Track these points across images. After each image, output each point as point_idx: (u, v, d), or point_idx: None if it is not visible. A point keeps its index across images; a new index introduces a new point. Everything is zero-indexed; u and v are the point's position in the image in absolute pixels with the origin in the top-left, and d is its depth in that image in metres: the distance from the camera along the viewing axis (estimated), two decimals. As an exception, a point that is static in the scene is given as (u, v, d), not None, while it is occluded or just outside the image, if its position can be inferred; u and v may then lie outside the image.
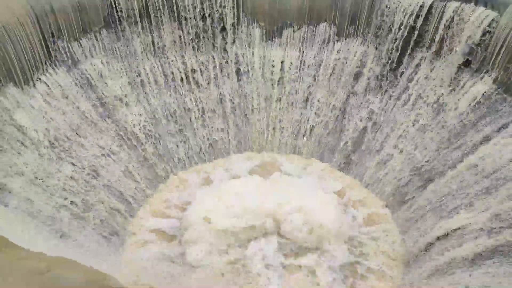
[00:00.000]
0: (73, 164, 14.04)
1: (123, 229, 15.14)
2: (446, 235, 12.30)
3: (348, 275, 13.68)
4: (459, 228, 11.88)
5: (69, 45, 15.32)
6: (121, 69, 17.21)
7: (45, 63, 14.27)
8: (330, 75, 19.62)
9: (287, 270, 13.75)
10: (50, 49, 14.54)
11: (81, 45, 15.82)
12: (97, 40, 16.42)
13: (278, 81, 20.41)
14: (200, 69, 19.57)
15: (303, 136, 20.62)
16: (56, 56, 14.82)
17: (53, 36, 14.62)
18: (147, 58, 18.16)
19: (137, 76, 17.81)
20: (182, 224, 15.44)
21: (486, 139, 12.93)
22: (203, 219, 14.48)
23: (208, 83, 19.87)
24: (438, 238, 12.61)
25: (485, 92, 13.56)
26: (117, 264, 12.32)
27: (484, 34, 13.76)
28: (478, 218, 11.37)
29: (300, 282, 13.30)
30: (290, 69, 20.15)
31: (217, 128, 20.27)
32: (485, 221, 11.05)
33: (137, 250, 14.22)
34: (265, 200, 15.03)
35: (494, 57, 13.47)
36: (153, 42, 18.14)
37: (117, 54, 17.11)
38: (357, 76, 18.90)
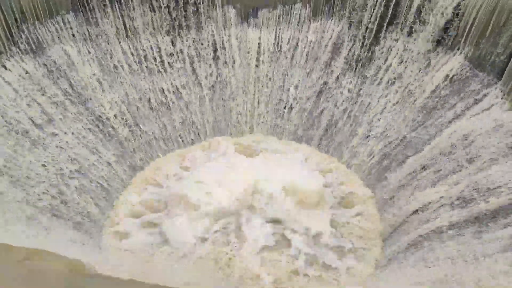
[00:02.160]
0: (45, 155, 13.56)
1: (102, 218, 14.87)
2: (421, 209, 12.63)
3: (325, 254, 13.84)
4: (433, 202, 12.21)
5: (35, 30, 14.55)
6: (92, 54, 16.54)
7: (9, 49, 13.52)
8: (307, 55, 19.55)
9: (269, 250, 13.89)
10: (14, 34, 13.77)
11: (48, 29, 15.05)
12: (64, 24, 15.66)
13: (256, 63, 20.18)
14: (175, 52, 19.08)
15: (282, 117, 20.63)
16: (21, 42, 14.06)
17: (16, 20, 13.82)
18: (119, 42, 17.51)
19: (109, 61, 17.17)
20: (162, 209, 15.30)
21: (459, 115, 13.23)
22: (184, 202, 14.41)
23: (184, 67, 19.44)
24: (413, 212, 12.94)
25: (457, 68, 13.82)
26: (97, 253, 12.14)
27: (455, 11, 13.92)
28: (451, 191, 11.71)
29: (276, 262, 13.45)
30: (267, 50, 19.91)
31: (195, 112, 19.97)
32: (458, 193, 11.39)
33: (117, 239, 14.04)
34: (245, 177, 15.13)
35: (465, 34, 13.69)
36: (124, 25, 17.47)
37: (87, 39, 16.41)
38: (333, 56, 18.87)
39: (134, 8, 17.48)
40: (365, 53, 17.74)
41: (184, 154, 19.00)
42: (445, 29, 14.47)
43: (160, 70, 18.90)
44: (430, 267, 9.85)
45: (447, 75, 14.12)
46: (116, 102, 17.21)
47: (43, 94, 14.33)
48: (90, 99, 16.21)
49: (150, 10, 17.95)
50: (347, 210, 15.87)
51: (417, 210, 12.79)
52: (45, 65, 14.78)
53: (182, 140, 19.80)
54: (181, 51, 19.21)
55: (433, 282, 8.97)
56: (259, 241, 13.92)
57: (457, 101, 13.52)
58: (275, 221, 14.76)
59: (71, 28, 15.83)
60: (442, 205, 11.79)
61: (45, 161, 13.27)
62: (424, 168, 13.71)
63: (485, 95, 12.68)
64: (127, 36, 17.72)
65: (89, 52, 16.42)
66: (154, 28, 18.40)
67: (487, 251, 9.05)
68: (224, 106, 20.67)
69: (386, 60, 17.02)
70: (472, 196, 10.92)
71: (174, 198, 15.09)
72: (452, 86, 13.93)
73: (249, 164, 16.35)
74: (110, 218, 15.14)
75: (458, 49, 14.08)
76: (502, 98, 11.95)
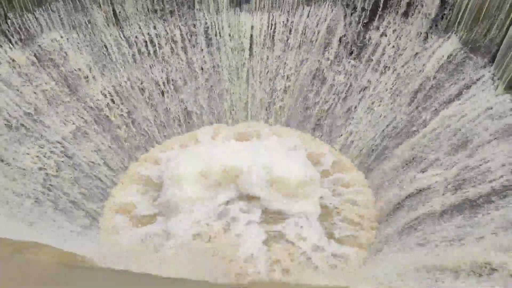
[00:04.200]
0: (38, 145, 13.35)
1: (97, 210, 14.74)
2: (415, 193, 12.64)
3: (323, 241, 13.82)
4: (427, 186, 12.20)
5: (23, 19, 14.16)
6: (82, 42, 16.16)
7: (-3, 38, 13.19)
8: (301, 40, 19.26)
9: (263, 238, 13.87)
10: (2, 24, 13.37)
11: (36, 18, 14.65)
12: (53, 11, 15.25)
13: (249, 48, 19.88)
14: (167, 38, 18.73)
15: (276, 104, 20.47)
16: (8, 30, 13.67)
17: (4, 10, 13.41)
18: (109, 29, 17.11)
19: (100, 49, 16.81)
20: (158, 199, 15.26)
21: (453, 98, 13.12)
22: (179, 190, 14.42)
23: (176, 53, 19.13)
24: (408, 196, 12.96)
25: (452, 51, 13.65)
26: (92, 245, 12.08)
27: (450, -7, 13.71)
28: (445, 175, 11.69)
29: (275, 250, 13.47)
30: (260, 35, 19.61)
31: (189, 100, 19.74)
32: (452, 177, 11.37)
33: (112, 231, 13.96)
34: (231, 160, 15.18)
35: (460, 16, 13.48)
36: (114, 11, 17.05)
37: (76, 26, 16.01)
38: (327, 40, 18.62)
39: (124, -6, 17.05)
40: (360, 38, 17.50)
41: (178, 143, 18.85)
42: (440, 12, 14.23)
43: (152, 57, 18.57)
44: (424, 250, 9.83)
45: (442, 58, 13.96)
46: (108, 90, 16.91)
47: (32, 84, 14.02)
48: (82, 88, 15.90)
49: (141, -4, 17.52)
50: (340, 195, 15.85)
51: (411, 195, 12.80)
52: (35, 54, 14.44)
53: (176, 129, 19.60)
54: (173, 37, 18.86)
55: (428, 265, 9.00)
56: (253, 231, 13.94)
57: (451, 84, 13.40)
58: (267, 209, 14.77)
59: (60, 16, 15.43)
60: (436, 189, 11.76)
61: (37, 152, 13.05)
62: (418, 152, 13.67)
63: (478, 79, 12.55)
64: (117, 22, 17.31)
65: (79, 40, 16.04)
66: (145, 15, 17.98)
67: (481, 233, 9.05)
68: (217, 93, 20.44)
69: (380, 44, 16.79)
70: (466, 180, 10.88)
71: (169, 188, 15.02)
72: (446, 69, 13.79)
73: (238, 150, 16.25)
74: (105, 209, 15.02)
75: (452, 32, 13.89)
76: (494, 82, 11.87)
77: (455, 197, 10.81)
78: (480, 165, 10.63)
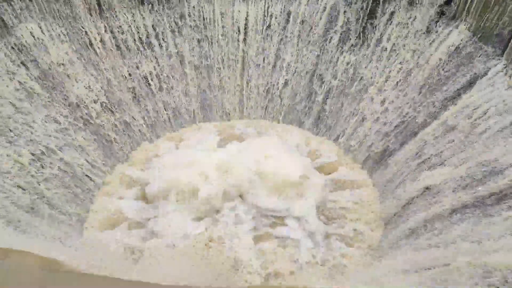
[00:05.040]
0: (19, 146, 13.23)
1: (81, 213, 14.73)
2: (422, 193, 12.71)
3: (323, 242, 13.98)
4: (436, 185, 12.27)
5: (-1, 9, 14.03)
6: (63, 33, 16.03)
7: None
8: (299, 30, 19.28)
9: (258, 239, 14.02)
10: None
11: (12, 6, 14.51)
12: (31, 1, 15.12)
13: (244, 39, 19.86)
14: (155, 29, 18.66)
15: (274, 99, 20.53)
16: (-19, 21, 13.57)
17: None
18: (93, 19, 17.01)
19: (82, 40, 16.70)
20: (146, 201, 15.32)
21: (462, 91, 13.19)
22: (169, 193, 14.56)
23: (165, 45, 19.08)
24: (415, 197, 13.04)
25: (460, 41, 13.71)
26: (76, 250, 12.03)
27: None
28: (454, 173, 11.75)
29: (271, 251, 13.57)
30: (255, 25, 19.58)
31: (179, 96, 19.74)
32: (461, 176, 11.43)
33: (97, 236, 13.96)
34: (224, 158, 15.38)
35: (469, 2, 13.54)
36: (98, 0, 16.93)
37: (56, 16, 15.88)
38: (327, 30, 18.66)
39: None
40: (362, 27, 17.56)
41: (168, 142, 18.91)
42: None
43: (140, 49, 18.52)
44: (433, 253, 9.87)
45: (450, 48, 14.04)
46: (92, 86, 16.83)
47: (10, 79, 13.89)
48: (63, 83, 15.77)
49: (126, -17, 17.48)
50: (343, 195, 15.95)
51: (419, 194, 12.88)
52: (12, 47, 14.31)
53: (166, 127, 19.64)
54: (162, 28, 18.81)
55: (437, 269, 9.03)
56: (247, 232, 14.09)
57: (460, 76, 13.45)
58: (261, 209, 14.90)
59: (39, 6, 15.30)
60: (445, 188, 11.82)
61: (15, 153, 12.94)
62: (426, 149, 13.75)
63: (489, 70, 12.58)
64: (101, 13, 17.19)
65: (60, 31, 15.91)
66: (130, 4, 17.90)
67: (493, 234, 9.07)
68: (210, 88, 20.46)
69: (384, 34, 16.85)
70: (477, 178, 10.93)
71: (157, 190, 15.17)
72: (455, 60, 13.84)
73: (233, 149, 16.44)
74: (90, 213, 15.01)
75: (461, 20, 13.95)
76: (506, 73, 11.91)
77: (465, 196, 10.85)
78: (491, 162, 10.66)
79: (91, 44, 16.95)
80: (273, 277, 12.64)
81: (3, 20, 14.15)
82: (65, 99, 15.79)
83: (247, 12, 19.58)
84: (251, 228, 14.25)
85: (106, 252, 12.81)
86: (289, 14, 19.33)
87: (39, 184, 13.30)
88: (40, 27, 15.32)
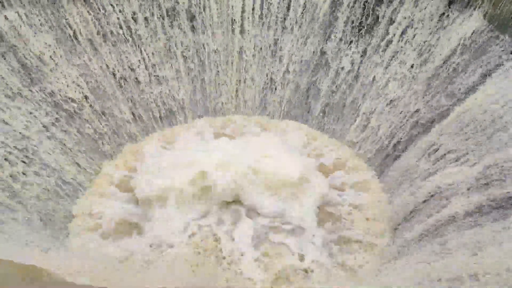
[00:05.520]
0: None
1: (65, 216, 14.80)
2: (435, 193, 12.80)
3: (325, 246, 14.09)
4: (448, 185, 12.35)
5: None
6: (45, 22, 15.99)
7: None
8: (300, 21, 19.30)
9: (257, 243, 14.19)
10: None
11: (-12, -7, 14.51)
12: (8, -14, 15.13)
13: (240, 29, 19.89)
14: (144, 17, 18.65)
15: (273, 94, 20.61)
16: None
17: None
18: (76, 7, 16.96)
19: (65, 30, 16.66)
20: (136, 203, 15.47)
21: (477, 84, 13.23)
22: (162, 196, 14.66)
23: (155, 35, 19.08)
24: (426, 198, 13.13)
25: (475, 29, 13.75)
26: (60, 256, 12.06)
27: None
28: (468, 172, 11.83)
29: (271, 255, 13.69)
30: (253, 13, 19.61)
31: (170, 90, 19.80)
32: (476, 175, 11.49)
33: (83, 242, 14.03)
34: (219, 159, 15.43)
35: (484, -12, 13.60)
36: (82, -14, 16.94)
37: (37, 4, 15.85)
38: (331, 20, 18.68)
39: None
40: (368, 16, 17.59)
41: (159, 140, 19.04)
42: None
43: (127, 40, 18.50)
44: (445, 260, 9.94)
45: (463, 39, 14.07)
46: (76, 80, 16.83)
47: (-14, 72, 13.92)
48: (44, 77, 15.76)
49: (112, -32, 17.44)
50: (348, 197, 16.08)
51: (430, 196, 12.96)
52: (-14, 36, 14.33)
53: (157, 124, 19.71)
54: (151, 17, 18.80)
55: (449, 277, 9.07)
56: (245, 235, 14.26)
57: (475, 68, 13.49)
58: (259, 211, 15.03)
59: (17, -9, 15.32)
60: (458, 189, 11.89)
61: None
62: (437, 147, 13.81)
63: (506, 61, 12.58)
64: None
65: (41, 20, 15.87)
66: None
67: (509, 239, 9.10)
68: (203, 81, 20.49)
69: (393, 22, 16.86)
70: (492, 178, 10.99)
71: (150, 192, 15.20)
72: (469, 51, 13.88)
73: (229, 148, 16.45)
74: (75, 216, 15.09)
75: (475, 7, 13.96)
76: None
77: (481, 199, 10.90)
78: (509, 160, 10.70)
79: (74, 34, 16.91)
80: (274, 282, 12.79)
81: (-23, 7, 14.17)
82: (46, 94, 15.76)
83: (244, 0, 19.53)
84: (250, 231, 14.42)
85: (92, 259, 12.84)
86: (289, 2, 19.33)
87: (18, 186, 13.32)
88: (19, 15, 15.29)
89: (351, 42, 18.40)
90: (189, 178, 14.97)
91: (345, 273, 13.14)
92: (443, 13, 15.05)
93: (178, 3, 19.07)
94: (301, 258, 13.63)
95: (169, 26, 19.29)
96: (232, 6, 19.57)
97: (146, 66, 19.17)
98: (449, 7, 14.87)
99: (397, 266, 11.85)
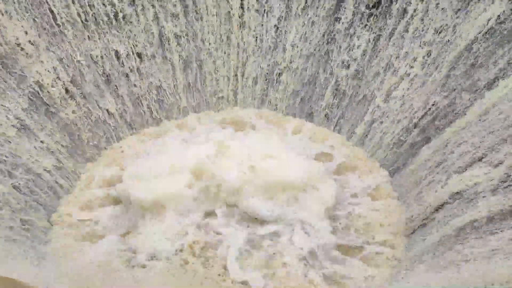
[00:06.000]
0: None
1: (45, 224, 14.74)
2: (454, 197, 12.73)
3: (336, 257, 13.98)
4: (469, 188, 12.27)
5: None
6: (23, 6, 15.92)
7: None
8: (306, 3, 19.21)
9: (255, 253, 14.07)
10: None
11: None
12: (-19, -34, 15.08)
13: (240, 14, 19.92)
14: (133, 1, 18.62)
15: (275, 85, 20.60)
16: None
17: None
18: (57, -11, 16.92)
19: (43, 14, 16.53)
20: (123, 209, 15.37)
21: (502, 75, 13.10)
22: (150, 201, 14.54)
23: (144, 21, 19.05)
24: (444, 202, 13.05)
25: (499, 15, 13.60)
26: (39, 267, 12.06)
27: None
28: (491, 174, 11.71)
29: (270, 270, 13.57)
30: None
31: (161, 81, 19.82)
32: (499, 177, 11.36)
33: (63, 251, 13.95)
34: (219, 165, 15.38)
35: (510, -32, 13.48)
36: (62, -34, 16.82)
37: (13, -14, 15.79)
38: (339, 3, 18.58)
39: None
40: (381, -1, 17.52)
41: (148, 136, 19.09)
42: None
43: (114, 25, 18.47)
44: (466, 271, 9.85)
45: (486, 25, 13.93)
46: (56, 70, 16.75)
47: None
48: (21, 66, 15.66)
49: None
50: (357, 200, 16.01)
51: (448, 199, 12.90)
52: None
53: (146, 118, 19.80)
54: (140, 0, 18.74)
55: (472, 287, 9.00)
56: (241, 244, 14.17)
57: (500, 57, 13.33)
58: (257, 217, 14.93)
59: (-9, -28, 15.26)
60: (480, 192, 11.78)
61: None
62: (458, 144, 13.70)
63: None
64: (67, -19, 17.08)
65: (19, 5, 15.73)
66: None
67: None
68: (198, 72, 20.50)
69: (408, 6, 16.76)
70: (517, 180, 10.83)
71: (142, 198, 15.02)
72: (493, 37, 13.73)
73: (225, 147, 16.21)
74: (55, 223, 15.03)
75: (501, -10, 13.86)
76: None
77: (504, 202, 10.78)
78: (536, 160, 10.61)
79: (53, 17, 16.81)
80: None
81: None
82: (23, 86, 15.69)
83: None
84: (246, 240, 14.30)
85: (75, 270, 12.73)
86: (293, -18, 19.24)
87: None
88: (-7, -1, 15.25)
89: (362, 26, 18.28)
90: (183, 181, 14.92)
91: (354, 285, 13.03)
92: (464, -4, 14.88)
93: (170, -14, 19.09)
94: (304, 270, 13.50)
95: (162, 11, 19.24)
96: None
97: (134, 55, 19.14)
98: (472, -11, 14.71)
99: (412, 277, 11.80)
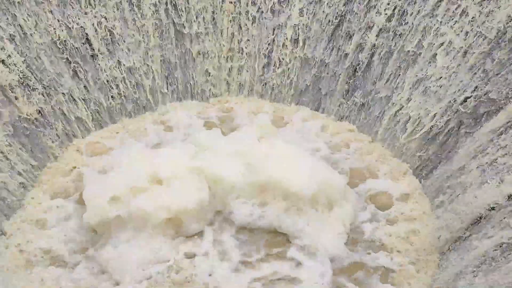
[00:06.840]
0: None
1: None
2: (497, 206, 12.53)
3: (353, 279, 13.86)
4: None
5: None
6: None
7: None
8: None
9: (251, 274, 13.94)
10: None
11: None
12: None
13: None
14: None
15: (276, 69, 20.68)
16: None
17: None
18: None
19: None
20: (88, 225, 14.98)
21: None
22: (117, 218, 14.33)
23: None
24: (488, 211, 12.81)
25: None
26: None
27: None
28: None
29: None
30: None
31: (136, 64, 19.83)
32: None
33: (16, 269, 13.86)
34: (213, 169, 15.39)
35: None
36: None
37: None
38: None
39: None
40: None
41: (122, 131, 19.20)
42: None
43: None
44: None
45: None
46: (8, 51, 16.57)
47: None
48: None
49: None
50: (382, 212, 16.01)
51: (491, 210, 12.69)
52: None
53: (118, 110, 19.81)
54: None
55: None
56: (234, 266, 14.05)
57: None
58: (253, 232, 15.01)
59: None
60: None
61: None
62: (503, 140, 13.52)
63: None
64: None
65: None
66: None
67: None
68: (183, 54, 20.59)
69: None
70: None
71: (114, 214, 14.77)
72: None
73: (215, 146, 16.38)
74: (10, 236, 14.88)
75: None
76: None
77: None
78: None
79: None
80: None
81: None
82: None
83: None
84: (241, 261, 14.23)
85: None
86: None
87: None
88: None
89: (382, 2, 18.32)
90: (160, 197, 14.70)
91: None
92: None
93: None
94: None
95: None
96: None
97: (104, 34, 19.16)
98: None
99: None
